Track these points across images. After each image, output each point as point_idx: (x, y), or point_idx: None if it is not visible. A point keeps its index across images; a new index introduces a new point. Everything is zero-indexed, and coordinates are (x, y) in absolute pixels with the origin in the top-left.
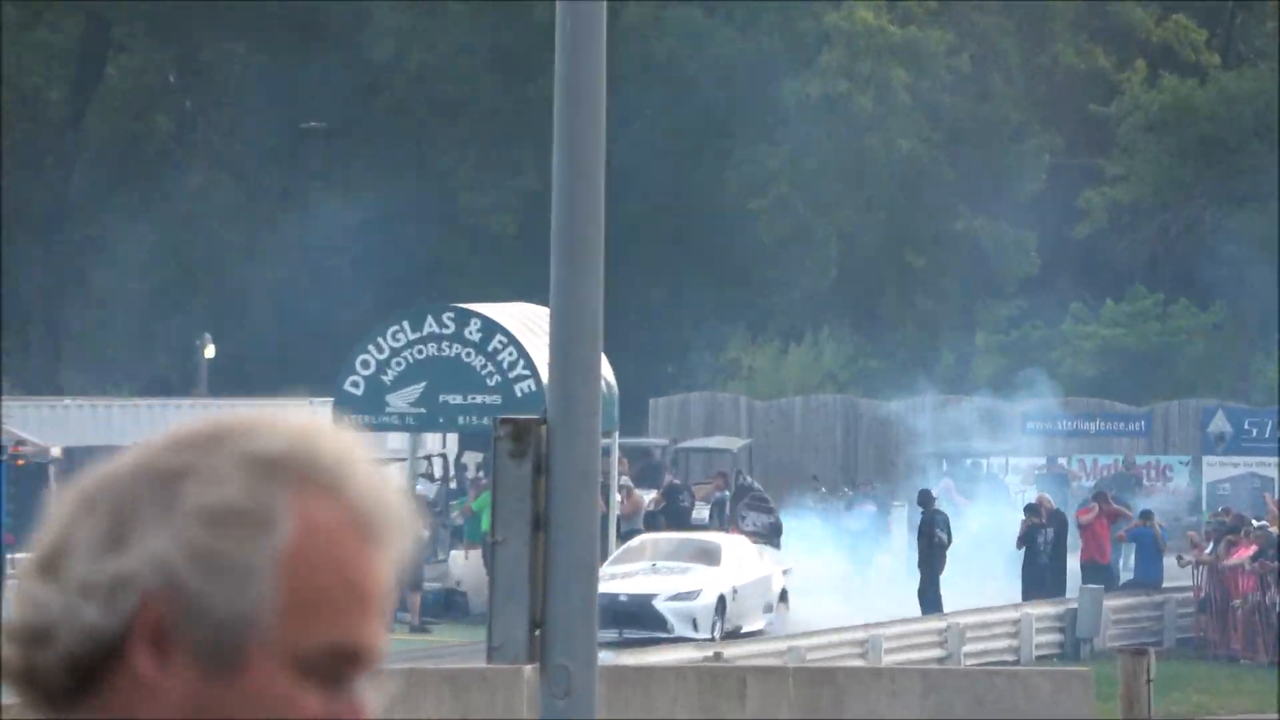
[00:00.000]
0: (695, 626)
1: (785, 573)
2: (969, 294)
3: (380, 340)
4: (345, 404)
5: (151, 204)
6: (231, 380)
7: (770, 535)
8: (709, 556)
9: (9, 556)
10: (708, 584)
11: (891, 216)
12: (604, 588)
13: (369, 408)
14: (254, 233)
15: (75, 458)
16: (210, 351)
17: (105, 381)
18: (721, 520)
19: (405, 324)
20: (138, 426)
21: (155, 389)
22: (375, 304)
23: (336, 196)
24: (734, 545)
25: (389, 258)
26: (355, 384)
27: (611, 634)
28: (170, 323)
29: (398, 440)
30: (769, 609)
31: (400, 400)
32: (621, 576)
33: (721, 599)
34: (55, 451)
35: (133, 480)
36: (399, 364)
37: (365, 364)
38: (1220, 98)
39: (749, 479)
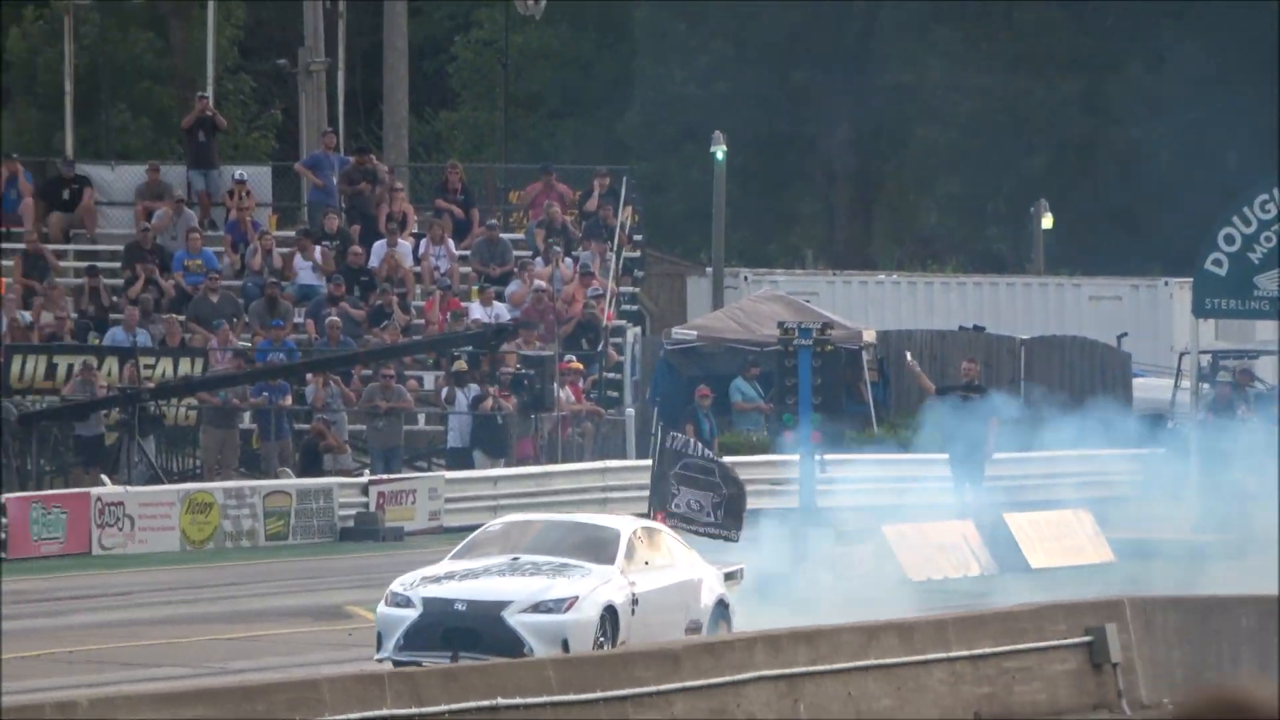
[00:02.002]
0: (567, 650)
1: (729, 577)
2: None
3: (1247, 211)
4: (1205, 286)
5: (975, 44)
6: (1070, 254)
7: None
8: (598, 549)
9: None
10: (589, 589)
11: None
12: (437, 591)
13: (1233, 291)
14: (1097, 80)
15: (891, 342)
16: (1047, 221)
17: (921, 256)
18: None
19: (1277, 193)
20: (962, 307)
21: (981, 264)
22: (1242, 167)
23: (1192, 37)
24: (645, 534)
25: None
26: (1217, 262)
27: (442, 658)
28: (1000, 186)
29: (1267, 330)
30: (695, 627)
31: (1270, 283)
32: (464, 576)
33: (611, 611)
34: (868, 336)
35: None
36: (1268, 240)
37: (1229, 239)
38: None
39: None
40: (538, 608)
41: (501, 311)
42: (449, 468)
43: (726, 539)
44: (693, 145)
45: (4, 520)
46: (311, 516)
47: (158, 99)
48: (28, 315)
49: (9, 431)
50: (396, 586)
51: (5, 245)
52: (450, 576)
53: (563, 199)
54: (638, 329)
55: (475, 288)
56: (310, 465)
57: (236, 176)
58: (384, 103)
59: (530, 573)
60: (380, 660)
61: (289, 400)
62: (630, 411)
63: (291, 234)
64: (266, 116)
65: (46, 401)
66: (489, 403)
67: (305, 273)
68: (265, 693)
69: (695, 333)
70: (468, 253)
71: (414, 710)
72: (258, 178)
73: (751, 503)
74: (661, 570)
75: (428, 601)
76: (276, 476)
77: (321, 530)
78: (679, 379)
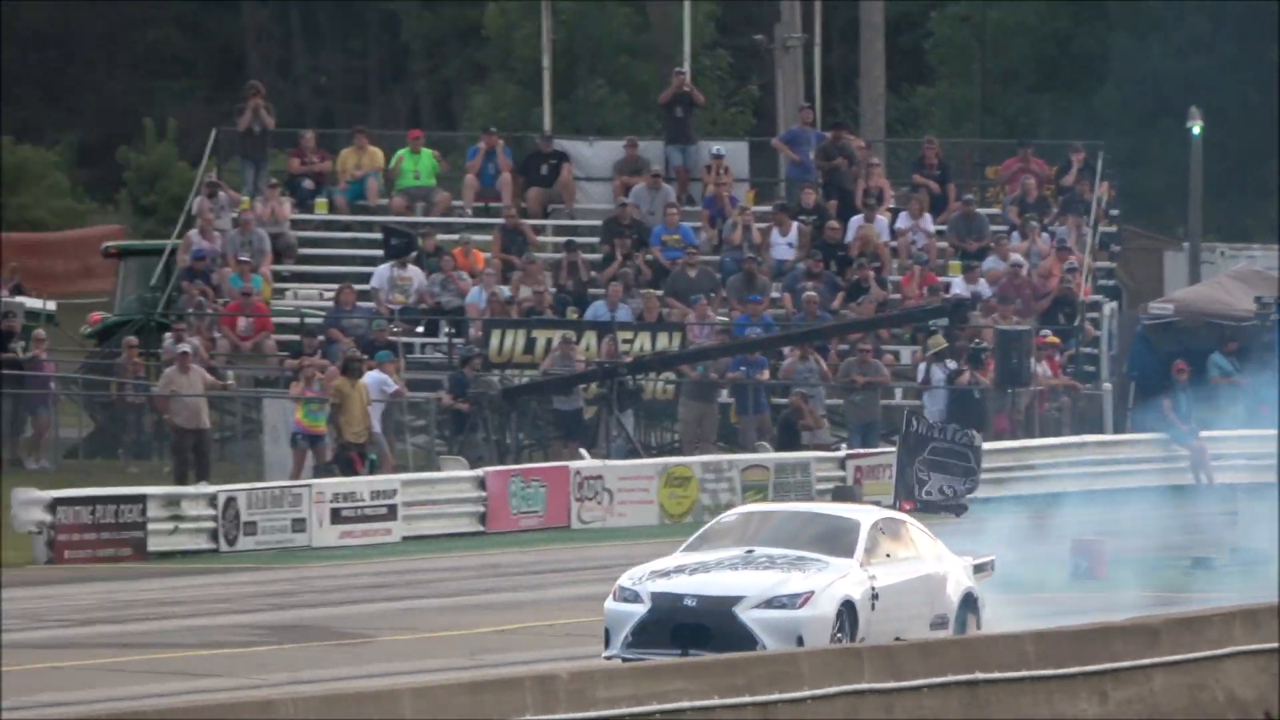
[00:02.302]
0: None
1: (978, 569)
2: None
3: None
4: None
5: None
6: None
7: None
8: (837, 541)
9: None
10: (826, 583)
11: None
12: (666, 586)
13: None
14: None
15: None
16: None
17: None
18: None
19: None
20: None
21: None
22: None
23: None
24: (887, 525)
25: None
26: None
27: (672, 654)
28: None
29: None
30: (941, 623)
31: None
32: (695, 570)
33: (849, 607)
34: None
35: None
36: None
37: None
38: None
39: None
40: (771, 603)
41: (984, 288)
42: None
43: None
44: (1169, 120)
45: (484, 494)
46: (788, 490)
47: (635, 74)
48: (506, 290)
49: (490, 405)
50: (625, 581)
51: (484, 220)
52: (680, 570)
53: (1038, 174)
54: (1114, 304)
55: (953, 262)
56: (788, 439)
57: (714, 152)
58: (860, 78)
59: (764, 566)
60: (608, 658)
61: (766, 375)
62: (1107, 386)
63: (768, 209)
64: (743, 92)
65: (526, 376)
66: (965, 377)
67: (781, 248)
68: (746, 667)
69: (1172, 307)
70: (944, 227)
71: (891, 685)
72: (735, 153)
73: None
74: (904, 563)
75: (656, 597)
76: (754, 451)
77: None
78: (1156, 354)
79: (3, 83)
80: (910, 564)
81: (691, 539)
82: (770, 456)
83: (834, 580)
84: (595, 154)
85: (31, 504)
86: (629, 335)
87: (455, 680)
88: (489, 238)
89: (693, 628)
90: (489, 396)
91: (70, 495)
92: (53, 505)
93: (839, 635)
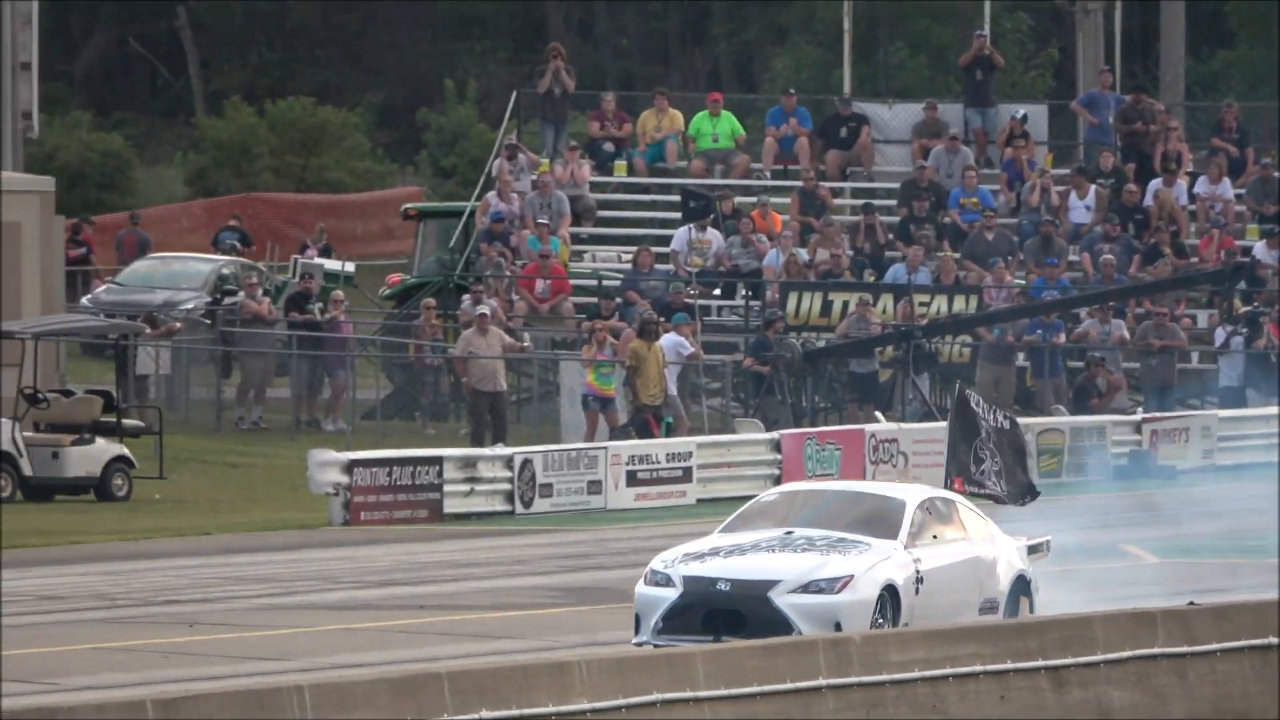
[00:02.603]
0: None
1: (1032, 550)
2: None
3: None
4: None
5: None
6: None
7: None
8: (881, 522)
9: None
10: (867, 567)
11: None
12: (699, 569)
13: None
14: None
15: None
16: None
17: None
18: None
19: None
20: None
21: None
22: None
23: None
24: (935, 505)
25: None
26: None
27: (703, 641)
28: None
29: None
30: (990, 607)
31: None
32: (730, 553)
33: (891, 591)
34: None
35: None
36: None
37: None
38: None
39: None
40: (808, 588)
41: None
42: (1221, 406)
43: (1019, 503)
44: None
45: (779, 456)
46: (1084, 454)
47: (935, 37)
48: (804, 252)
49: (788, 368)
50: (656, 564)
51: (782, 183)
52: (715, 553)
53: None
54: None
55: (1250, 226)
56: (1083, 403)
57: (1014, 115)
58: (1160, 41)
59: (803, 549)
60: (639, 645)
61: (1062, 338)
62: None
63: (1066, 172)
64: (1043, 55)
65: (823, 339)
66: (1262, 341)
67: (1079, 211)
68: (1039, 630)
69: None
70: (1242, 191)
71: (1185, 649)
72: (1034, 116)
73: None
74: (952, 545)
75: (689, 581)
76: (1050, 414)
77: (1095, 468)
78: None
79: (304, 44)
80: (958, 546)
81: (730, 519)
82: (1065, 420)
83: (876, 563)
84: (894, 117)
85: (328, 465)
86: (926, 298)
87: (748, 644)
88: (787, 200)
89: (726, 613)
90: (788, 359)
91: (367, 457)
92: (349, 467)
93: (879, 621)
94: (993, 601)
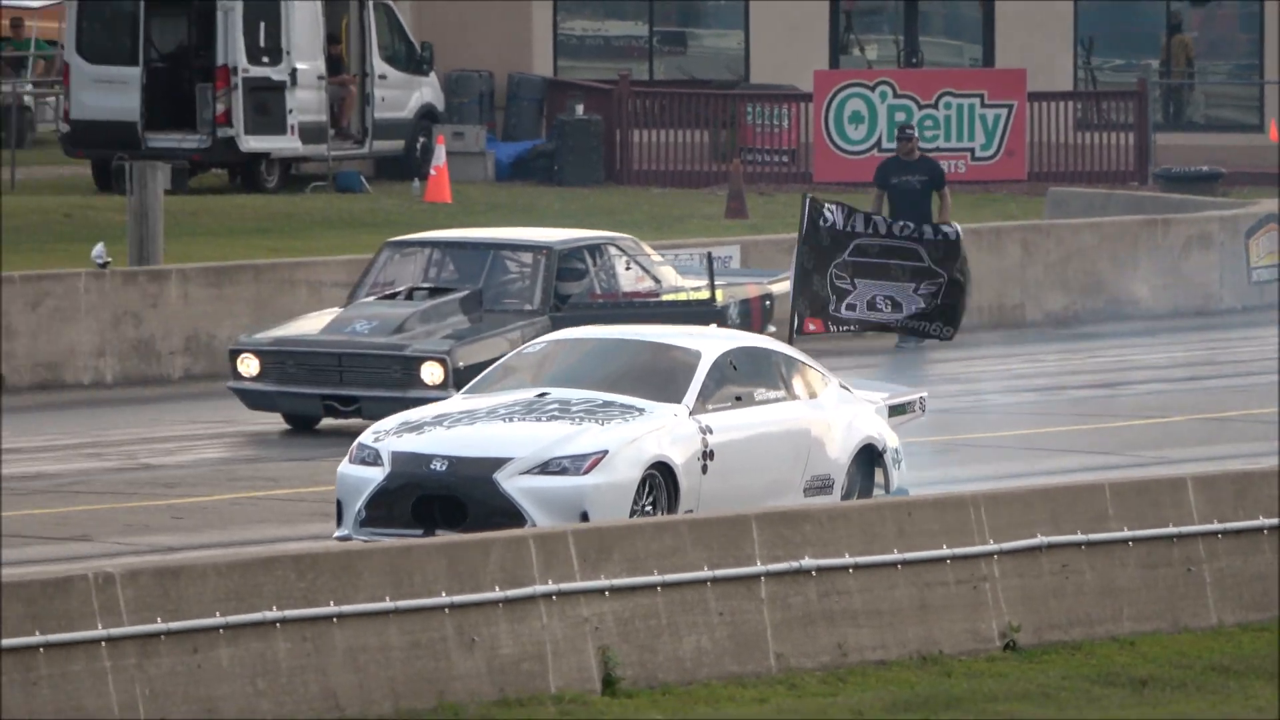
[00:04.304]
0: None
1: (895, 411)
2: None
3: None
4: None
5: None
6: None
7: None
8: (664, 380)
9: None
10: (628, 439)
11: None
12: (412, 444)
13: None
14: None
15: None
16: None
17: None
18: None
19: None
20: None
21: None
22: None
23: None
24: (744, 357)
25: None
26: None
27: (412, 535)
28: None
29: None
30: (820, 486)
31: None
32: (456, 421)
33: (664, 470)
34: None
35: None
36: None
37: None
38: None
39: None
40: (547, 467)
41: None
42: None
43: (939, 337)
44: None
45: None
46: None
47: None
48: None
49: None
50: (366, 436)
51: None
52: (439, 421)
53: None
54: None
55: None
56: None
57: None
58: None
59: (553, 416)
60: (342, 540)
61: None
62: None
63: None
64: None
65: None
66: None
67: None
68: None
69: None
70: None
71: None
72: None
73: None
74: (763, 408)
75: (398, 458)
76: None
77: None
78: None
79: None
80: (773, 410)
81: (478, 377)
82: None
83: (641, 435)
84: None
85: None
86: None
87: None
88: None
89: (442, 499)
90: None
91: None
92: None
93: (646, 509)
94: (825, 479)
